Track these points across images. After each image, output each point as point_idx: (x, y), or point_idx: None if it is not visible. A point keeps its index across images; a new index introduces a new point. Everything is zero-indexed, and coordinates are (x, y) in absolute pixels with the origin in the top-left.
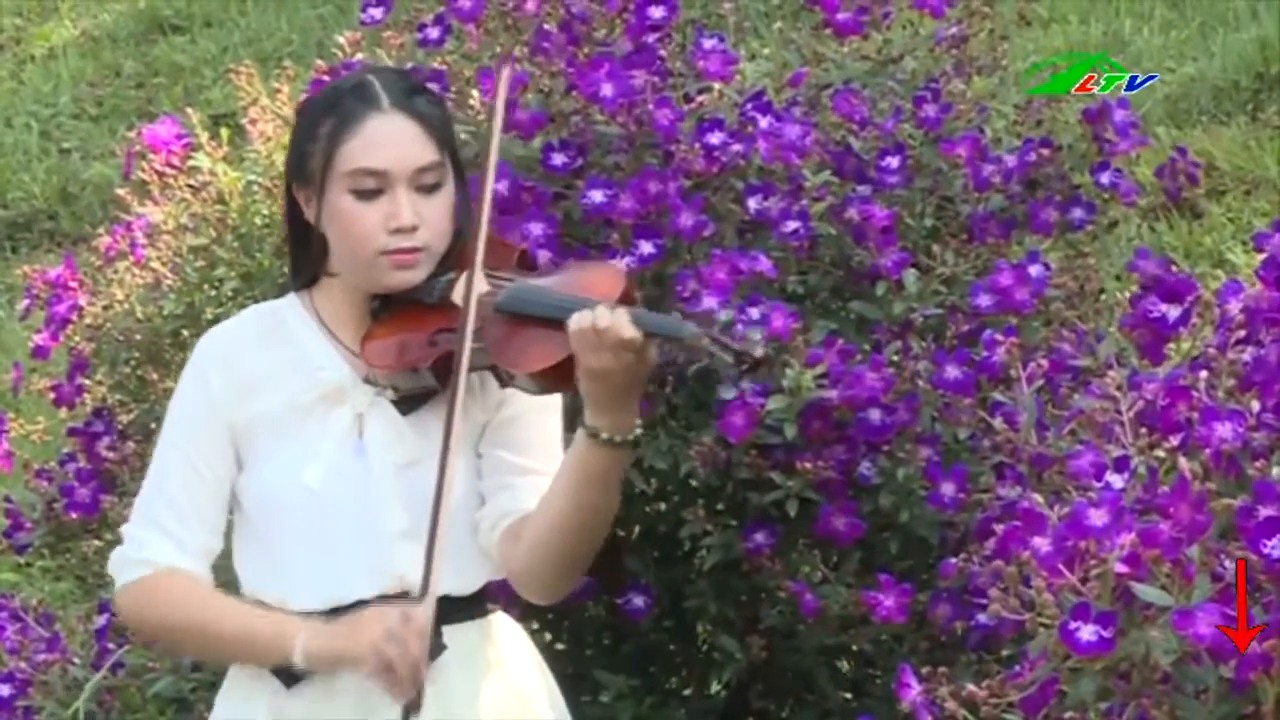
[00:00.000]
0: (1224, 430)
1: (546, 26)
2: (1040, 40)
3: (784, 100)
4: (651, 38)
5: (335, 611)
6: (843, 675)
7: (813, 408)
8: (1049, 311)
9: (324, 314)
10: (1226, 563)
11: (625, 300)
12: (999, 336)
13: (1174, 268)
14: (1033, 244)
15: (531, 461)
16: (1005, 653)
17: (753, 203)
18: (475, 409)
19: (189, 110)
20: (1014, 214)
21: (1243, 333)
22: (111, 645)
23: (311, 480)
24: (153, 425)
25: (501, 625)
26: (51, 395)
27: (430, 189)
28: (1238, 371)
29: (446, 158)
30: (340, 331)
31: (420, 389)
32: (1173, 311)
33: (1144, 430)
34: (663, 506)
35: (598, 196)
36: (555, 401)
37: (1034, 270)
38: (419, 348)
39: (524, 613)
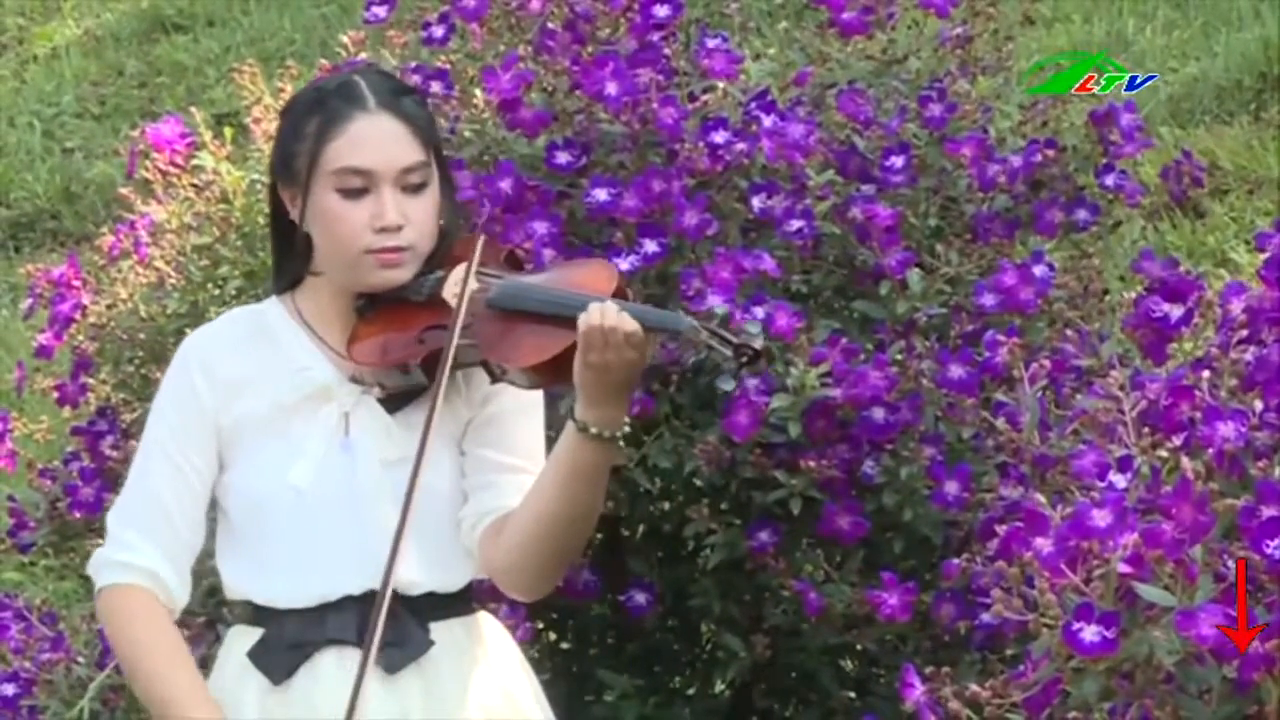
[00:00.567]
0: (1227, 430)
1: (551, 25)
2: (1044, 40)
3: (788, 99)
4: (656, 36)
5: (324, 608)
6: (846, 674)
7: (816, 407)
8: (1053, 312)
9: (308, 315)
10: (1229, 563)
11: (618, 296)
12: (1002, 336)
13: (1180, 268)
14: (1037, 244)
15: (514, 459)
16: (1009, 652)
17: (757, 202)
18: (460, 406)
19: (192, 109)
20: (1018, 214)
21: (1245, 332)
22: None
23: (298, 479)
24: None
25: (487, 623)
26: (55, 394)
27: (416, 189)
28: (1240, 371)
29: (432, 158)
30: (324, 332)
31: (409, 386)
32: (1175, 311)
33: (1147, 430)
34: (667, 505)
35: (602, 195)
36: (538, 401)
37: (1038, 270)
38: (408, 345)
39: (529, 612)
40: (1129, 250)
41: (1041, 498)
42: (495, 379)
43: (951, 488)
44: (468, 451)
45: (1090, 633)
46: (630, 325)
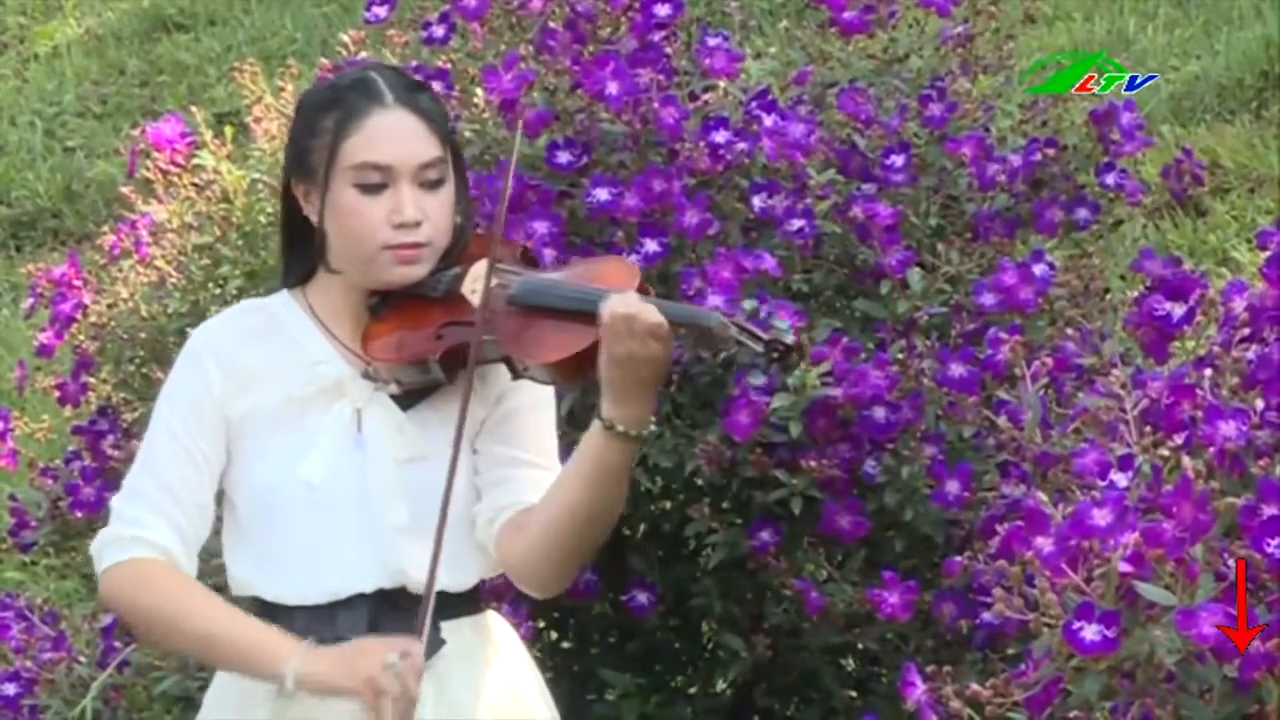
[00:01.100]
0: (1228, 429)
1: (552, 24)
2: (1045, 38)
3: (789, 99)
4: (657, 36)
5: (334, 606)
6: (848, 673)
7: (817, 406)
8: (1053, 310)
9: (319, 310)
10: (1230, 562)
11: (640, 292)
12: (1003, 335)
13: (1181, 267)
14: (1038, 243)
15: (529, 455)
16: (1010, 651)
17: (757, 201)
18: (475, 404)
19: (193, 108)
20: (1019, 213)
21: (1247, 331)
22: (118, 644)
23: (309, 473)
24: None
25: (496, 622)
26: (56, 394)
27: (433, 184)
28: (1242, 370)
29: (448, 153)
30: (336, 327)
31: (426, 383)
32: (1177, 310)
33: (1148, 429)
34: (668, 505)
35: (603, 195)
36: (550, 398)
37: (1038, 269)
38: (426, 341)
39: (531, 611)
40: (1130, 249)
41: (1043, 496)
42: (517, 375)
43: (953, 487)
44: (481, 449)
45: (1091, 632)
46: (654, 317)
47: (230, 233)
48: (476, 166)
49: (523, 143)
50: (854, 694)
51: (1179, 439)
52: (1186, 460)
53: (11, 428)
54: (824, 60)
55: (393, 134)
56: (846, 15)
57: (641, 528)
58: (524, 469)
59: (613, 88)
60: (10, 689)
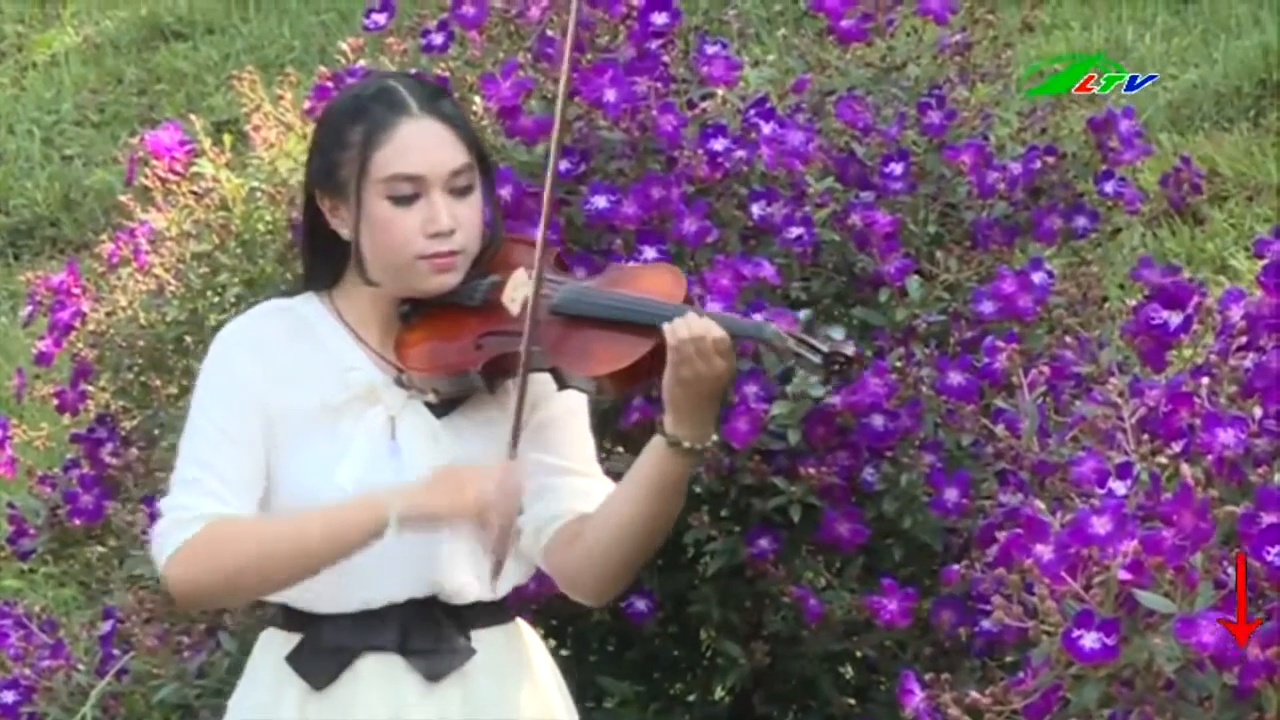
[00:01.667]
0: (1226, 437)
1: (550, 33)
2: (1043, 47)
3: (787, 106)
4: (655, 44)
5: (366, 615)
6: (846, 681)
7: (816, 414)
8: (1052, 318)
9: (346, 315)
10: (1229, 569)
11: (686, 301)
12: (1001, 343)
13: (1179, 275)
14: (1036, 251)
15: (569, 462)
16: (1009, 659)
17: (756, 209)
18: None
19: (191, 117)
20: (1017, 221)
21: (1244, 339)
22: (116, 651)
23: (344, 480)
24: (156, 431)
25: (526, 631)
26: (55, 402)
27: (463, 191)
28: (1239, 378)
29: (474, 159)
30: (364, 333)
31: (465, 392)
32: (1174, 318)
33: (1146, 437)
34: None
35: (601, 202)
36: (585, 404)
37: (1037, 277)
38: (465, 351)
39: (529, 619)
40: (1128, 257)
41: (1041, 504)
42: (563, 386)
43: (951, 494)
44: (519, 457)
45: (1090, 640)
46: (718, 332)
47: (229, 241)
48: None
49: (521, 150)
50: (852, 701)
51: (1177, 447)
52: (1185, 468)
53: (10, 436)
54: (822, 68)
55: (422, 143)
56: (844, 23)
57: None
58: (566, 477)
59: (611, 95)
60: (9, 697)
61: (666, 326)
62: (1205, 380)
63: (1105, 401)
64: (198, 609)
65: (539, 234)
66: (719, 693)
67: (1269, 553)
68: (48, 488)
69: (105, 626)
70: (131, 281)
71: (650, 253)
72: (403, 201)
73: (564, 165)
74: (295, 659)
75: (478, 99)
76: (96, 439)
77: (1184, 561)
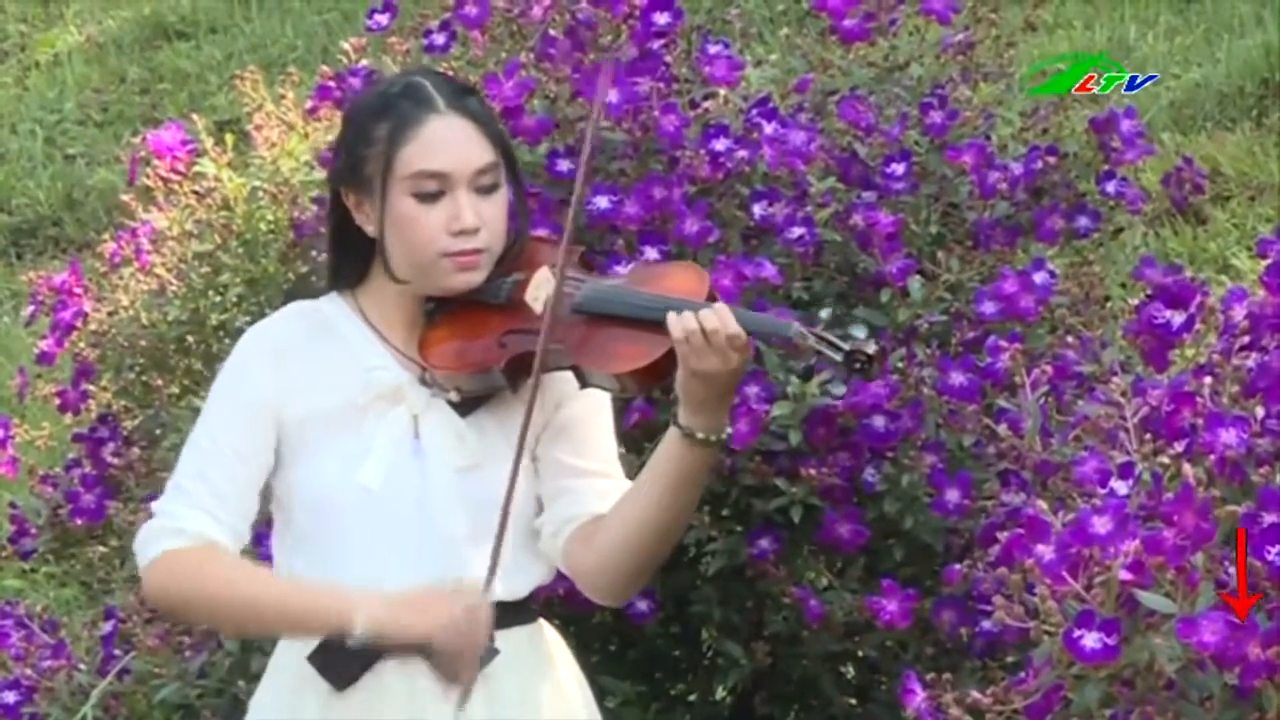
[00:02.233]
0: (1228, 436)
1: (552, 32)
2: (1045, 46)
3: (789, 106)
4: (657, 44)
5: None
6: (847, 681)
7: (817, 414)
8: (1054, 318)
9: (371, 314)
10: (1230, 569)
11: (709, 299)
12: (1003, 343)
13: (1181, 275)
14: (1038, 251)
15: (590, 463)
16: (1010, 659)
17: (758, 209)
18: (535, 411)
19: (194, 116)
20: (1019, 221)
21: (1247, 339)
22: (117, 651)
23: (368, 479)
24: (158, 431)
25: (549, 632)
26: (56, 401)
27: (489, 189)
28: (1242, 377)
29: (500, 157)
30: (389, 332)
31: (487, 390)
32: (1177, 318)
33: (1148, 436)
34: None
35: (603, 202)
36: (608, 402)
37: (1039, 277)
38: (489, 349)
39: None
40: (1130, 257)
41: (1043, 504)
42: (584, 384)
43: (952, 495)
44: (541, 456)
45: (1091, 639)
46: (734, 328)
47: (231, 240)
48: None
49: (523, 150)
50: (854, 701)
51: (1179, 447)
52: (1187, 468)
53: (12, 435)
54: (824, 68)
55: (448, 141)
56: (847, 23)
57: None
58: (587, 478)
59: (613, 95)
60: (10, 697)
61: (670, 320)
62: (1207, 380)
63: (1107, 401)
64: (159, 611)
65: (564, 233)
66: (720, 693)
67: (1270, 552)
68: (49, 487)
69: (106, 626)
70: (133, 281)
71: (652, 253)
72: (427, 198)
73: (566, 165)
74: (316, 660)
75: None
76: (98, 438)
77: (1185, 561)
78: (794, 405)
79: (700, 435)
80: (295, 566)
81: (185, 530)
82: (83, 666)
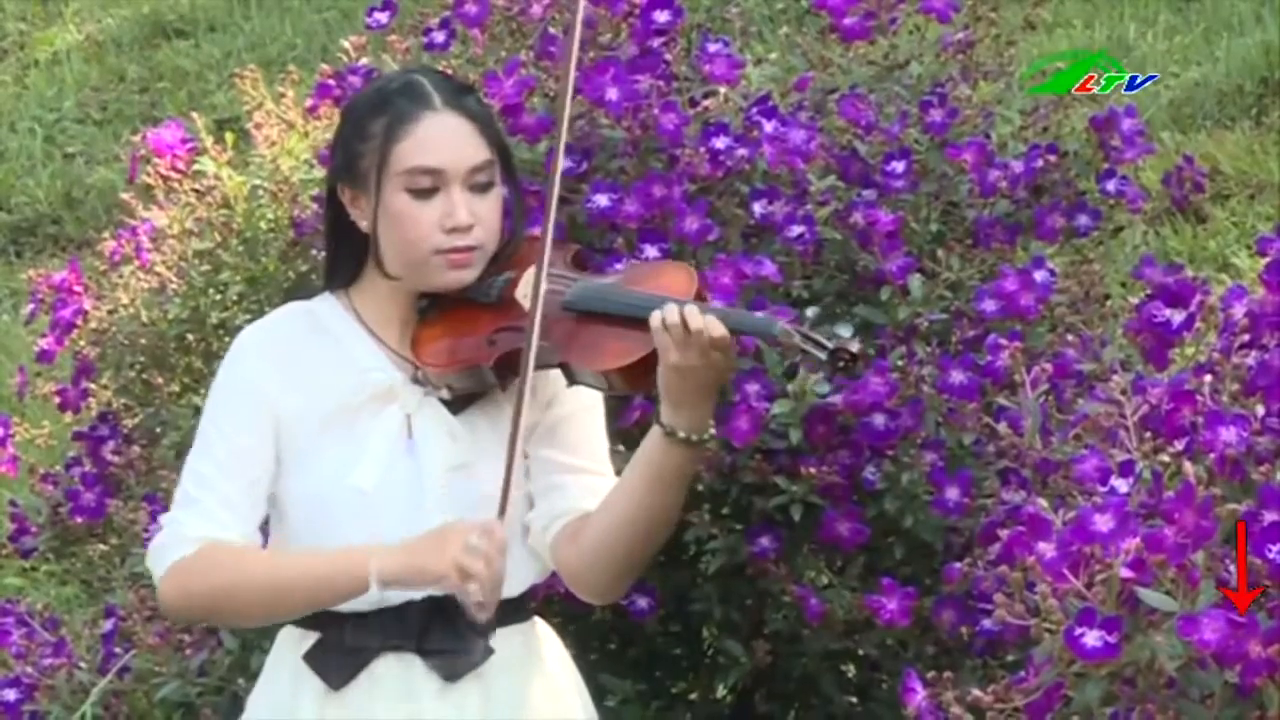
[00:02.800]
0: (1228, 435)
1: (552, 30)
2: (1045, 45)
3: (789, 105)
4: (657, 42)
5: (384, 613)
6: (848, 680)
7: (817, 412)
8: (1054, 317)
9: (365, 314)
10: (1231, 567)
11: (698, 298)
12: (1003, 341)
13: (1181, 273)
14: (1038, 249)
15: (580, 460)
16: (1010, 658)
17: (758, 207)
18: (526, 409)
19: (193, 114)
20: (1019, 219)
21: (1247, 337)
22: (118, 650)
23: (362, 481)
24: (158, 429)
25: (544, 630)
26: (56, 399)
27: (483, 188)
28: (1242, 376)
29: (496, 156)
30: (383, 332)
31: (478, 388)
32: (1177, 316)
33: (1148, 435)
34: None
35: (603, 200)
36: (600, 400)
37: (1039, 276)
38: (479, 347)
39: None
40: (1130, 255)
41: (1043, 503)
42: (573, 381)
43: (952, 493)
44: (532, 454)
45: (1092, 637)
46: (716, 330)
47: (231, 239)
48: None
49: (522, 148)
50: (854, 700)
51: (1179, 445)
52: (1187, 466)
53: (12, 433)
54: (824, 66)
55: (443, 138)
56: (847, 21)
57: None
58: (576, 475)
59: (613, 94)
60: (11, 695)
61: (652, 316)
62: (1207, 378)
63: (1107, 399)
64: (185, 624)
65: (545, 230)
66: (720, 691)
67: (1270, 550)
68: (49, 486)
69: (107, 624)
70: (133, 279)
71: (651, 251)
72: (422, 195)
73: (566, 163)
74: (312, 658)
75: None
76: (98, 437)
77: (1186, 559)
78: (794, 403)
79: (681, 434)
80: None
81: (194, 537)
82: (83, 664)
